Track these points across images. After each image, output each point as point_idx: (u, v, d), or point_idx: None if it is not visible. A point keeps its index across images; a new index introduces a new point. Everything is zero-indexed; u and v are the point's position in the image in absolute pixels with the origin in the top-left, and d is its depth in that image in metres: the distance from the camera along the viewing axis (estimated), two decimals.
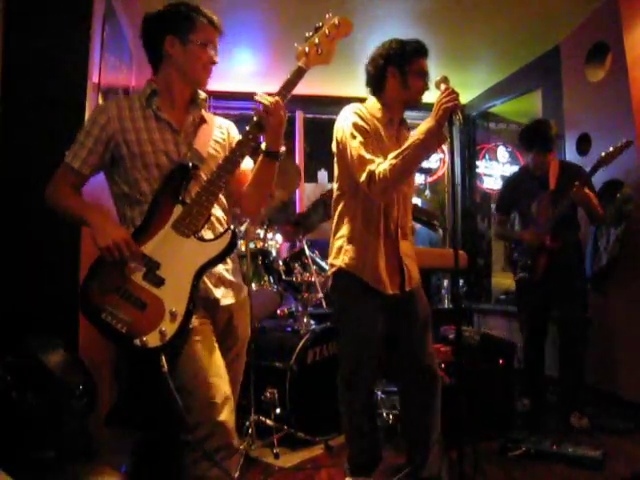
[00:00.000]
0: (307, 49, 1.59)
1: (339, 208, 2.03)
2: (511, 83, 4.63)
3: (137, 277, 1.43)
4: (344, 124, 1.92)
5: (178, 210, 1.48)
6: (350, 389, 2.01)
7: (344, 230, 1.99)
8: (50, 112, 2.15)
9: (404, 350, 2.04)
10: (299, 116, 5.08)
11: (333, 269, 2.01)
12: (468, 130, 5.44)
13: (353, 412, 2.03)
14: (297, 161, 5.09)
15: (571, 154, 3.71)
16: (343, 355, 2.08)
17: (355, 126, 1.88)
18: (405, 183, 1.98)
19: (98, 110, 1.57)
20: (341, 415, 2.06)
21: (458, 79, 4.76)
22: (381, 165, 1.80)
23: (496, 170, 5.76)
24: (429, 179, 5.79)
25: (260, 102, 1.52)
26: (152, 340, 1.38)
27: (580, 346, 2.96)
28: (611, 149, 2.78)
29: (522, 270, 3.11)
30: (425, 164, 5.69)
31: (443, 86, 1.79)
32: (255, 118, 1.54)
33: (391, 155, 1.81)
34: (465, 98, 5.27)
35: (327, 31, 1.64)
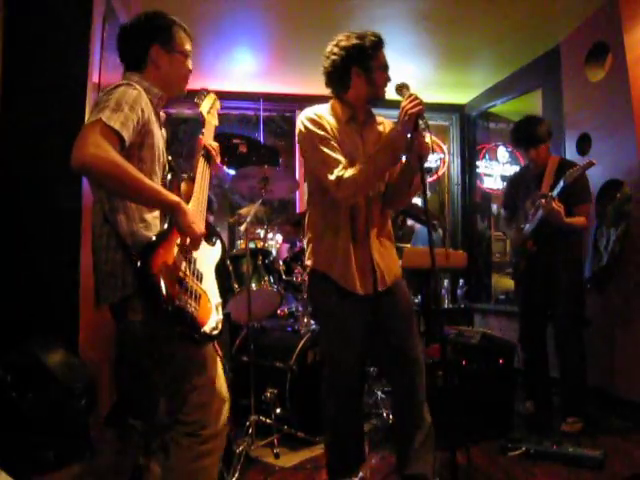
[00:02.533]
0: (209, 108, 1.87)
1: (309, 210, 2.05)
2: (511, 83, 4.63)
3: (186, 268, 1.44)
4: (304, 132, 1.92)
5: None
6: (330, 392, 2.00)
7: (313, 231, 2.01)
8: (50, 112, 2.15)
9: (388, 344, 1.99)
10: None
11: (307, 270, 2.03)
12: (468, 130, 5.44)
13: (331, 417, 2.02)
14: (297, 161, 5.09)
15: (571, 154, 3.71)
16: (324, 356, 2.09)
17: (314, 131, 1.89)
18: (373, 187, 1.94)
19: (136, 91, 1.43)
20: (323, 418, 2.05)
21: (458, 79, 4.77)
22: (350, 169, 1.81)
23: (496, 170, 5.77)
24: (429, 179, 5.80)
25: (214, 149, 1.78)
26: (215, 330, 1.46)
27: (569, 349, 2.89)
28: (575, 169, 2.74)
29: (511, 267, 3.23)
30: (425, 164, 5.68)
31: (406, 92, 1.80)
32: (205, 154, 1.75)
33: (361, 160, 1.85)
34: (465, 98, 5.28)
35: (213, 101, 1.91)
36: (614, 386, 3.20)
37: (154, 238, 1.38)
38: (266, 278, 2.97)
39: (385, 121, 2.08)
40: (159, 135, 1.52)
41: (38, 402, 1.69)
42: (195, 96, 1.84)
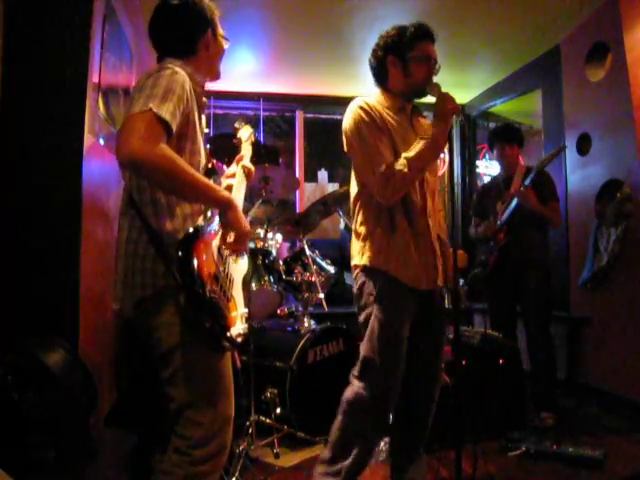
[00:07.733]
0: (247, 138, 1.84)
1: (359, 205, 1.93)
2: (511, 83, 4.63)
3: (221, 269, 1.40)
4: (351, 122, 1.84)
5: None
6: (378, 404, 1.81)
7: (366, 228, 1.88)
8: (50, 112, 2.14)
9: (414, 347, 1.88)
10: (299, 116, 5.07)
11: (357, 270, 1.90)
12: (468, 130, 5.44)
13: (367, 428, 1.83)
14: (297, 161, 5.09)
15: (571, 154, 3.71)
16: (372, 362, 1.81)
17: (361, 123, 1.81)
18: (412, 184, 1.85)
19: (182, 78, 1.35)
20: (342, 419, 1.85)
21: (458, 79, 4.76)
22: (396, 165, 1.75)
23: (496, 170, 5.76)
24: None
25: (251, 171, 1.73)
26: (240, 337, 1.41)
27: (539, 346, 3.01)
28: (547, 155, 3.05)
29: (477, 266, 3.31)
30: None
31: (439, 92, 1.83)
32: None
33: (405, 155, 1.78)
34: (465, 98, 5.27)
35: (251, 133, 1.89)
36: (615, 386, 3.20)
37: (191, 230, 1.32)
38: (266, 278, 2.96)
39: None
40: (200, 127, 1.46)
41: (38, 402, 1.69)
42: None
